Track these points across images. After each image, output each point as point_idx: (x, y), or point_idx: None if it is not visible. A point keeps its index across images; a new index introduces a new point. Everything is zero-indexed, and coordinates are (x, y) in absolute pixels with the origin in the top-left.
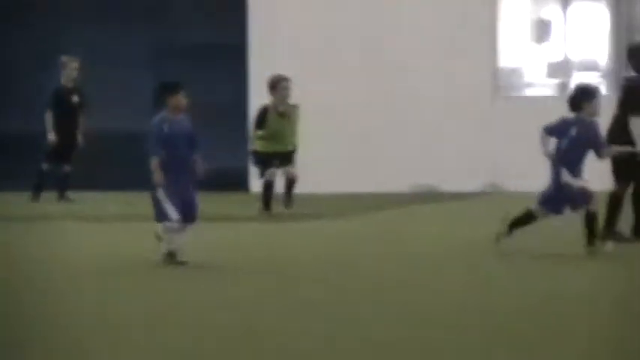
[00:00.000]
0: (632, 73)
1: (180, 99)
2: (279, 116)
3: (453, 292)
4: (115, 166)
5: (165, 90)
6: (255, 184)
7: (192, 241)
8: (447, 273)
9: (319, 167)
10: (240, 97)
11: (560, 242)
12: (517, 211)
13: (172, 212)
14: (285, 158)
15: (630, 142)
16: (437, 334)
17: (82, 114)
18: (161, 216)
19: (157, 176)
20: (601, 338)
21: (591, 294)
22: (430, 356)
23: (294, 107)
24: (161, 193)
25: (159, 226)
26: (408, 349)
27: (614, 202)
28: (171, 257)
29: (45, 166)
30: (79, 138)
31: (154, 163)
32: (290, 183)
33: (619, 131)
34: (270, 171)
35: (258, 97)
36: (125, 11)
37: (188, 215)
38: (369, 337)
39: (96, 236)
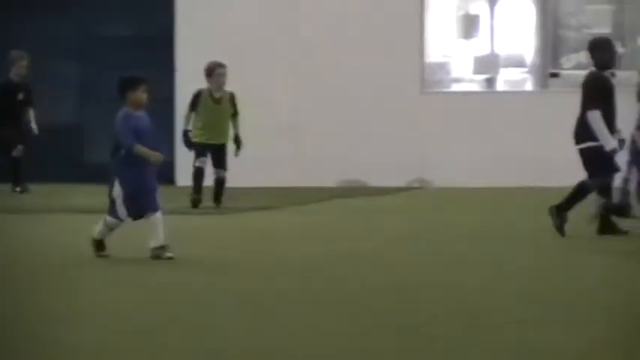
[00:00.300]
0: (592, 68)
1: (140, 94)
2: (215, 102)
3: (384, 286)
4: (40, 158)
5: (126, 85)
6: (182, 177)
7: (119, 234)
8: (373, 266)
9: (246, 161)
10: (167, 90)
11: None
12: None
13: (122, 212)
14: (219, 157)
15: (594, 137)
16: (358, 326)
17: (29, 110)
18: (112, 212)
19: (153, 156)
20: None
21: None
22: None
23: (231, 94)
24: (117, 191)
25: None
26: (341, 343)
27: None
28: (98, 246)
29: (16, 151)
30: (34, 128)
31: (139, 149)
32: (219, 183)
33: (582, 127)
34: (201, 159)
35: (185, 90)
36: (51, 0)
37: (151, 204)
38: (300, 329)
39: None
